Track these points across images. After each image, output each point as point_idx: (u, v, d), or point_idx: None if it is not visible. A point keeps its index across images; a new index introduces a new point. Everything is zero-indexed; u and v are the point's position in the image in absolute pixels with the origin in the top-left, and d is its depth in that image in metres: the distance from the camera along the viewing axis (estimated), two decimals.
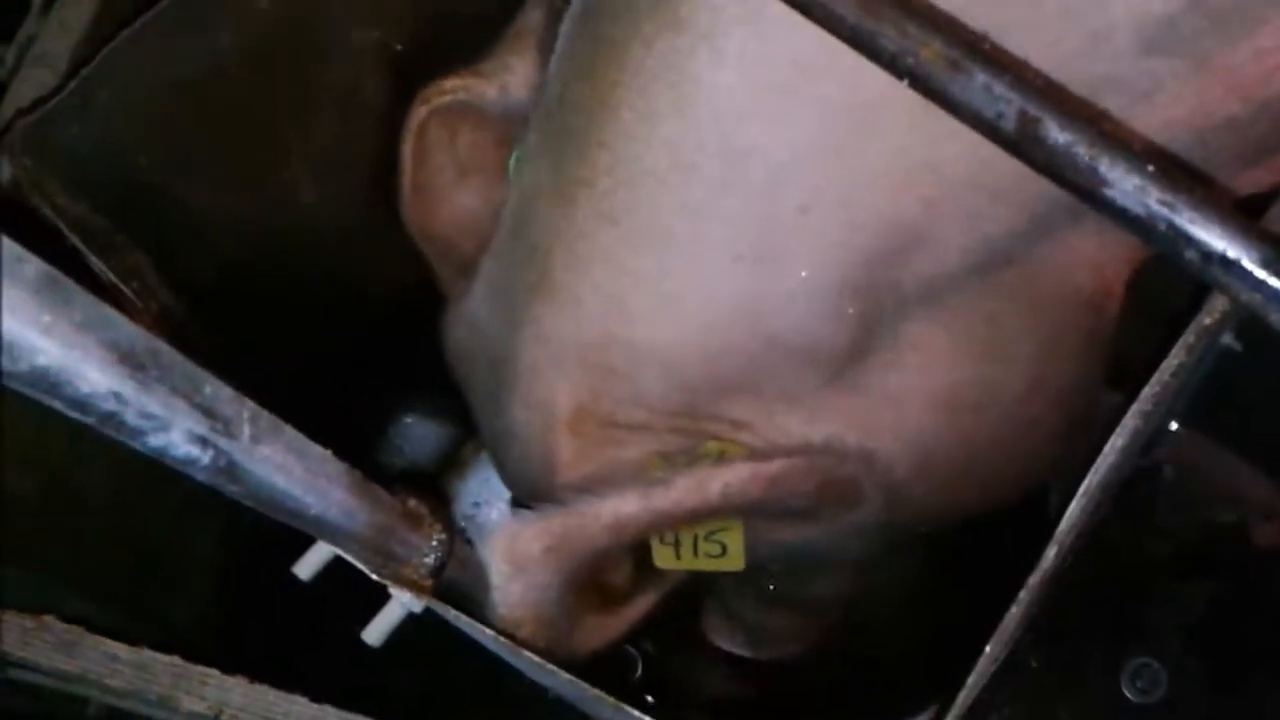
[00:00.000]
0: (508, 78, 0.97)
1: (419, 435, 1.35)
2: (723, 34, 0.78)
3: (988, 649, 0.68)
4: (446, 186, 1.02)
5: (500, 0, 1.03)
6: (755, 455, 0.89)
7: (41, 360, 0.41)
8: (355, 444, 1.31)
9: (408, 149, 1.00)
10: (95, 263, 0.80)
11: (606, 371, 0.89)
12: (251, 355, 1.04)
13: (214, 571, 1.14)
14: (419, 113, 0.99)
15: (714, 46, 0.79)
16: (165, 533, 1.07)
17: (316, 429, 1.15)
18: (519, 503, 1.06)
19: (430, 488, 1.29)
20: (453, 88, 0.99)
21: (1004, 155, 0.64)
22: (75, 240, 0.80)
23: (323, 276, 1.07)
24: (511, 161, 0.97)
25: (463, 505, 1.34)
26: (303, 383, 1.14)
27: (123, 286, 0.81)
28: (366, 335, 1.17)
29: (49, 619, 0.85)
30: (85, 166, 0.84)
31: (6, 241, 0.41)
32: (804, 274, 0.84)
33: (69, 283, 0.42)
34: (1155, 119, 0.78)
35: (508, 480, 1.10)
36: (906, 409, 0.92)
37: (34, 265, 0.41)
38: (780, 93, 0.79)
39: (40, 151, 0.82)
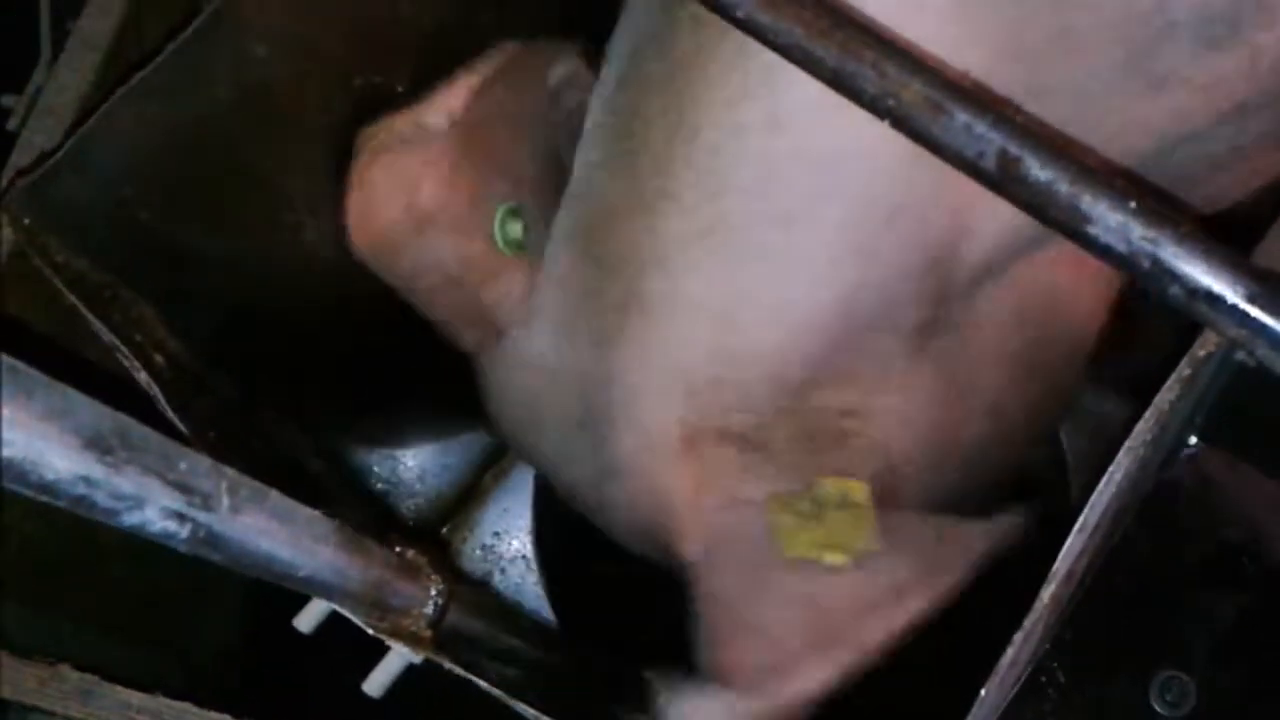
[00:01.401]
0: (451, 101, 0.97)
1: (438, 466, 1.35)
2: None
3: (982, 693, 0.68)
4: (408, 237, 0.96)
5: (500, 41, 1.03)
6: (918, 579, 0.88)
7: (6, 452, 0.42)
8: (373, 478, 1.32)
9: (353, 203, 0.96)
10: (93, 322, 0.81)
11: (712, 381, 0.89)
12: (264, 396, 1.05)
13: (230, 615, 1.15)
14: (361, 160, 0.97)
15: None
16: (181, 576, 1.08)
17: (332, 465, 1.16)
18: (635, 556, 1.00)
19: (430, 537, 1.30)
20: (397, 125, 0.97)
21: None
22: (73, 299, 0.81)
23: (332, 314, 1.08)
24: (498, 214, 0.96)
25: (481, 535, 1.35)
26: (318, 419, 1.15)
27: (121, 346, 0.81)
28: (379, 368, 1.17)
29: (65, 668, 0.85)
30: (86, 222, 0.85)
31: None
32: (894, 266, 0.86)
33: (30, 372, 0.43)
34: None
35: (617, 529, 1.01)
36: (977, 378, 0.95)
37: None
38: None
39: (40, 210, 0.82)
